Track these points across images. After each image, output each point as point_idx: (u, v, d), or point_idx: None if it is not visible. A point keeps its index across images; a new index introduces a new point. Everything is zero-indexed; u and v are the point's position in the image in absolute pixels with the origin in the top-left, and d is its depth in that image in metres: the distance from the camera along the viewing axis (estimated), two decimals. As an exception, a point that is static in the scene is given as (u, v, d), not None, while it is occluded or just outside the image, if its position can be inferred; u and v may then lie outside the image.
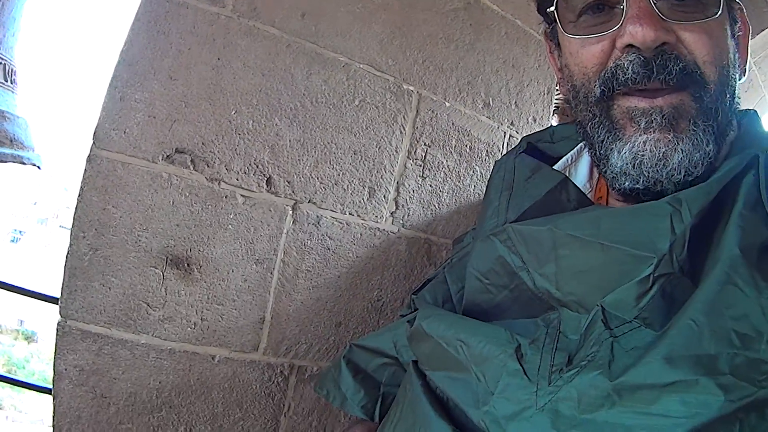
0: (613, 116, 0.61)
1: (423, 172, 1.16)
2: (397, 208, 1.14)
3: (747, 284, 0.51)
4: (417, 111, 1.14)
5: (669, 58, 0.57)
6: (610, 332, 0.54)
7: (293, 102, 1.02)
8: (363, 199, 1.10)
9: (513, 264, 0.62)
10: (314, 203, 1.06)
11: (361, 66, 1.08)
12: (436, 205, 1.18)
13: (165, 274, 0.95)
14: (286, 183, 1.03)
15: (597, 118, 0.62)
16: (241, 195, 1.00)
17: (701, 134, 0.58)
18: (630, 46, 0.57)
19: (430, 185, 1.17)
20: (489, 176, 0.77)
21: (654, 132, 0.58)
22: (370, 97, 1.09)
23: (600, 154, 0.62)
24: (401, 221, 1.14)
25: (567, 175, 0.73)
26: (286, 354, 1.07)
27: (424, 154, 1.15)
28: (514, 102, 1.29)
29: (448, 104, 1.17)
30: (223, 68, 0.97)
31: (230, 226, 0.99)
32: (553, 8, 0.62)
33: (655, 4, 0.56)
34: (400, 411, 0.71)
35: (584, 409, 0.51)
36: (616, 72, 0.58)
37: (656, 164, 0.58)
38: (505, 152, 1.24)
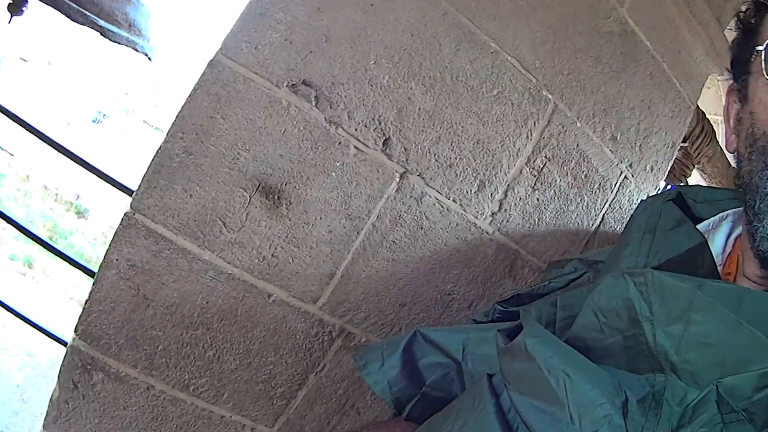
0: None
1: (535, 184, 1.11)
2: (499, 210, 1.10)
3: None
4: (549, 121, 1.10)
5: None
6: (721, 417, 0.51)
7: (434, 71, 1.00)
8: (471, 190, 1.06)
9: (640, 311, 0.57)
10: (423, 178, 1.02)
11: (509, 58, 1.05)
12: (537, 220, 1.13)
13: (252, 199, 0.94)
14: (403, 149, 1.00)
15: None
16: (355, 147, 0.97)
17: None
18: None
19: (538, 199, 1.12)
20: (631, 214, 0.72)
21: None
22: (509, 92, 1.06)
23: (759, 208, 0.58)
24: (498, 225, 1.10)
25: (708, 239, 0.69)
26: (342, 316, 1.05)
27: (541, 166, 1.11)
28: (639, 144, 1.23)
29: (579, 124, 1.12)
30: (374, 15, 0.96)
31: (333, 174, 0.97)
32: (762, 47, 0.58)
33: None
34: (461, 424, 0.67)
35: None
36: None
37: None
38: (652, 196, 1.18)
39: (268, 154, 0.94)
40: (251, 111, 0.92)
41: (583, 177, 1.16)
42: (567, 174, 1.14)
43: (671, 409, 0.54)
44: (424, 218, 1.04)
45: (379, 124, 0.98)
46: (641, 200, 0.76)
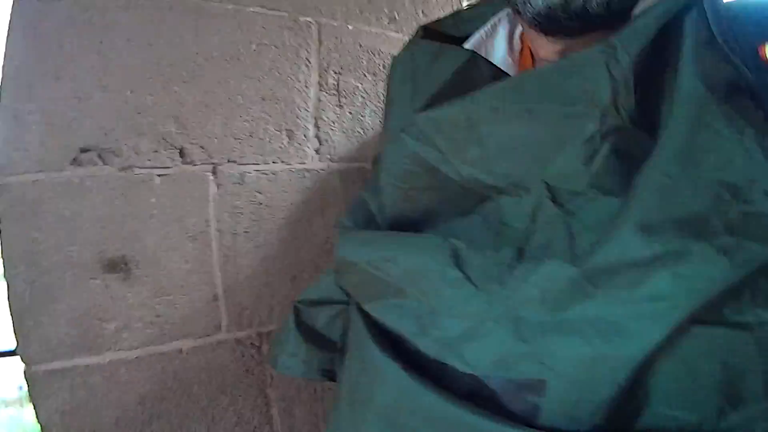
0: None
1: (339, 101, 1.23)
2: (321, 144, 1.23)
3: (724, 125, 0.46)
4: (320, 41, 1.18)
5: None
6: (561, 209, 0.50)
7: (187, 64, 1.07)
8: (284, 143, 1.18)
9: (429, 158, 0.57)
10: (234, 161, 1.14)
11: (251, 9, 1.12)
12: (360, 131, 1.27)
13: (106, 282, 1.04)
14: (200, 149, 1.10)
15: None
16: (158, 175, 1.07)
17: None
18: None
19: (350, 112, 1.25)
20: (387, 75, 0.72)
21: None
22: (267, 38, 1.13)
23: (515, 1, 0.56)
24: (328, 156, 1.24)
25: (485, 52, 0.68)
26: (250, 324, 1.19)
27: (336, 83, 1.22)
28: (420, 11, 1.35)
29: (351, 27, 1.21)
30: (107, 51, 1.01)
31: (155, 211, 1.08)
32: None
33: None
34: (348, 359, 0.67)
35: (551, 308, 0.47)
36: None
37: None
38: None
39: (92, 234, 1.02)
40: (56, 207, 0.99)
41: (381, 69, 1.29)
42: (365, 75, 1.27)
43: (512, 229, 0.53)
44: (257, 194, 1.17)
45: (167, 141, 1.06)
46: (392, 58, 0.74)
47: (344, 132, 1.26)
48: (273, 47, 1.15)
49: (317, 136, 1.23)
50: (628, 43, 0.48)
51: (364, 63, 1.26)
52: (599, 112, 0.47)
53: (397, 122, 0.63)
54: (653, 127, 0.48)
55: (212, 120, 1.11)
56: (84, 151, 1.01)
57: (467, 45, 0.69)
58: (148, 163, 1.06)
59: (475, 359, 0.49)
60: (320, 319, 0.80)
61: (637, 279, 0.43)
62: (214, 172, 1.12)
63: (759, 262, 0.43)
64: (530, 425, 0.46)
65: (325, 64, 1.22)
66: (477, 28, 0.71)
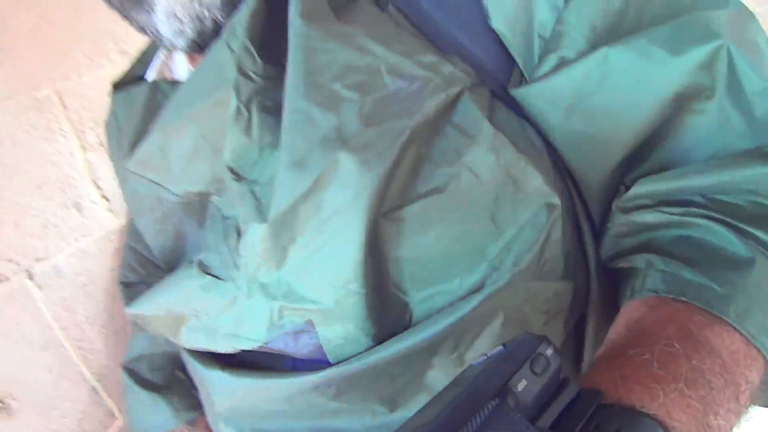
0: None
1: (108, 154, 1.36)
2: (109, 201, 1.35)
3: (327, 41, 0.52)
4: (64, 107, 1.28)
5: None
6: (245, 182, 0.57)
7: None
8: (77, 219, 1.29)
9: (151, 192, 0.67)
10: (43, 258, 1.22)
11: (51, 93, 1.19)
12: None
13: None
14: (8, 262, 1.16)
15: (131, 8, 0.65)
16: None
17: None
18: None
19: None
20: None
21: None
22: (15, 128, 1.19)
23: (154, 34, 0.66)
24: (123, 209, 1.38)
25: (170, 73, 0.79)
26: None
27: (97, 137, 1.34)
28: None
29: (86, 78, 1.32)
30: None
31: None
32: None
33: None
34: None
35: (274, 264, 0.54)
36: None
37: (185, 3, 0.60)
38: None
39: None
40: None
41: None
42: None
43: (231, 218, 0.62)
44: (79, 277, 1.26)
45: (11, 261, 1.13)
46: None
47: None
48: (24, 134, 1.20)
49: (104, 196, 1.32)
50: (238, 18, 0.57)
51: None
52: (232, 86, 0.55)
53: (122, 175, 0.75)
54: (284, 66, 0.55)
55: (4, 230, 1.15)
56: None
57: (149, 74, 0.79)
58: None
59: (254, 333, 0.59)
60: (146, 370, 0.95)
61: (314, 206, 0.51)
62: (30, 278, 1.19)
63: (405, 135, 0.49)
64: (320, 363, 0.57)
65: (80, 126, 1.29)
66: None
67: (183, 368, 0.92)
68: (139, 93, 0.75)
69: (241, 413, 0.66)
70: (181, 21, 0.61)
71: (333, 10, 0.54)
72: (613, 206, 0.55)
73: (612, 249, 0.55)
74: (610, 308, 0.56)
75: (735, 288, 0.45)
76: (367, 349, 0.55)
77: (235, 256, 0.58)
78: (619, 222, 0.54)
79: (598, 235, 0.57)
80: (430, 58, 0.52)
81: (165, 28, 0.62)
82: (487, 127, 0.50)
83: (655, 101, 0.49)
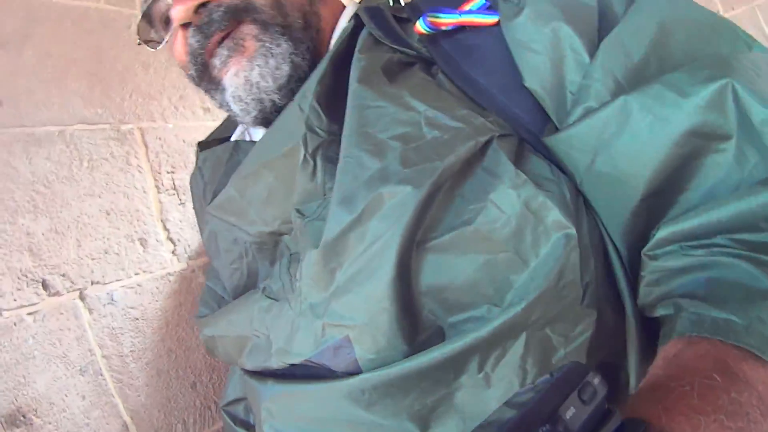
0: (211, 76, 0.79)
1: (180, 199, 1.39)
2: (175, 245, 1.36)
3: (378, 100, 0.63)
4: (145, 145, 1.36)
5: (212, 10, 0.74)
6: (308, 219, 0.67)
7: (27, 194, 1.13)
8: (140, 253, 1.30)
9: (228, 233, 0.78)
10: (98, 282, 1.21)
11: (75, 127, 1.22)
12: (206, 224, 1.44)
13: None
14: (61, 277, 1.16)
15: (208, 88, 0.82)
16: (27, 314, 1.10)
17: (269, 43, 0.74)
18: (184, 26, 0.77)
19: (193, 208, 1.42)
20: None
21: (229, 66, 0.76)
22: (95, 153, 1.26)
23: (228, 110, 0.82)
24: (186, 255, 1.38)
25: (248, 135, 0.93)
26: None
27: (172, 182, 1.39)
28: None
29: (170, 125, 1.41)
30: None
31: (36, 352, 1.08)
32: (139, 42, 0.85)
33: None
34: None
35: (322, 286, 0.63)
36: (190, 50, 0.78)
37: (246, 89, 0.75)
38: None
39: None
40: None
41: None
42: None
43: (296, 254, 0.71)
44: (131, 310, 1.24)
45: (26, 276, 1.10)
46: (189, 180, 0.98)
47: (193, 228, 1.37)
48: (103, 160, 1.24)
49: (169, 238, 1.33)
50: (310, 81, 0.70)
51: (192, 157, 1.42)
52: (301, 141, 0.66)
53: (204, 222, 0.86)
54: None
55: (65, 245, 1.15)
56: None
57: (233, 137, 0.94)
58: (14, 304, 1.07)
59: (301, 349, 0.66)
60: (243, 412, 0.98)
61: (359, 234, 0.59)
62: (82, 298, 1.17)
63: (437, 173, 0.57)
64: (354, 374, 0.62)
65: (157, 167, 1.34)
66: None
67: None
68: (224, 151, 0.87)
69: (284, 419, 0.70)
70: (246, 103, 0.76)
71: (386, 75, 0.66)
72: (643, 255, 0.58)
73: (646, 297, 0.59)
74: (651, 351, 0.59)
75: (758, 320, 0.49)
76: None
77: (294, 281, 0.67)
78: (649, 270, 0.58)
79: (630, 278, 0.61)
80: (462, 111, 0.61)
81: (234, 106, 0.77)
82: (510, 168, 0.57)
83: (670, 140, 0.54)
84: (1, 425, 1.03)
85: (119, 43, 1.35)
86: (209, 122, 1.51)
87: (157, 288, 1.30)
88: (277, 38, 0.75)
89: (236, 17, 0.75)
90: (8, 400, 1.04)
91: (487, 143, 0.60)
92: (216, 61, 0.76)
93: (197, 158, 0.96)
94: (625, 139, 0.55)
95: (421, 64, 0.70)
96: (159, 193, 1.36)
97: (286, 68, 0.75)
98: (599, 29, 0.61)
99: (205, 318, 0.89)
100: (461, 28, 0.69)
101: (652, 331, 0.60)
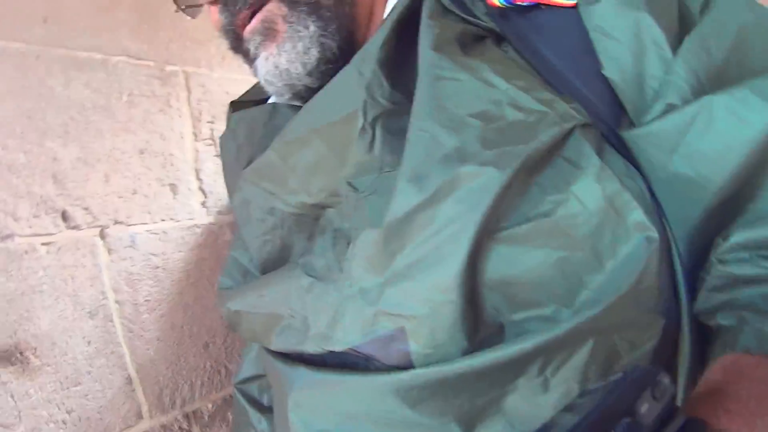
0: (248, 53, 0.74)
1: (217, 150, 1.29)
2: (206, 197, 1.25)
3: (456, 72, 0.58)
4: (188, 90, 1.25)
5: None
6: (362, 194, 0.61)
7: (60, 117, 1.03)
8: (169, 199, 1.19)
9: (264, 202, 0.72)
10: (121, 222, 1.11)
11: (119, 58, 1.12)
12: (240, 181, 1.34)
13: (2, 377, 0.91)
14: (84, 211, 1.06)
15: (245, 61, 0.77)
16: (42, 244, 1.00)
17: (297, 25, 0.69)
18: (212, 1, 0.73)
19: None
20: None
21: (261, 51, 0.71)
22: (136, 88, 1.15)
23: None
24: (216, 209, 1.27)
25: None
26: (173, 405, 1.12)
27: (211, 132, 1.28)
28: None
29: (216, 75, 1.31)
30: None
31: (45, 286, 0.98)
32: (178, 10, 0.81)
33: None
34: (274, 396, 0.78)
35: (379, 270, 0.56)
36: (221, 24, 0.74)
37: (276, 74, 0.71)
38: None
39: None
40: None
41: None
42: None
43: (342, 229, 0.65)
44: (152, 256, 1.14)
45: (46, 204, 1.01)
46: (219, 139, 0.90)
47: (224, 183, 1.32)
48: (144, 97, 1.14)
49: (201, 189, 1.23)
50: (370, 45, 0.63)
51: None
52: (361, 107, 0.60)
53: (234, 186, 0.78)
54: (409, 94, 0.61)
55: (92, 178, 1.05)
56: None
57: (271, 99, 0.85)
58: (29, 230, 0.97)
59: (346, 336, 0.59)
60: (256, 391, 0.91)
61: (428, 217, 0.53)
62: (102, 237, 1.07)
63: (520, 159, 0.52)
64: (404, 368, 0.56)
65: (197, 114, 1.23)
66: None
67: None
68: (260, 113, 0.80)
69: (315, 410, 0.63)
70: (278, 87, 0.72)
71: (460, 46, 0.61)
72: (712, 257, 0.55)
73: (706, 302, 0.55)
74: (700, 357, 0.57)
75: None
76: None
77: (342, 261, 0.60)
78: (716, 273, 0.55)
79: (689, 283, 0.58)
80: (547, 95, 0.57)
81: (266, 86, 0.73)
82: (595, 160, 0.53)
83: (750, 145, 0.52)
84: (-6, 359, 0.93)
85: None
86: (253, 79, 1.41)
87: (182, 238, 1.20)
88: (305, 19, 0.69)
89: None
90: (6, 334, 0.94)
91: (571, 131, 0.55)
92: (250, 46, 0.72)
93: (229, 119, 0.87)
94: (706, 140, 0.53)
95: (492, 40, 0.65)
96: (196, 140, 1.26)
97: (314, 52, 0.69)
98: (680, 24, 0.59)
99: (229, 290, 0.81)
100: (536, 6, 0.63)
101: (700, 335, 0.57)
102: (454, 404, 0.54)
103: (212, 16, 0.76)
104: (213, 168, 1.28)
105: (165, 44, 1.22)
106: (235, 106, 0.90)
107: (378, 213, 0.57)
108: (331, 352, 0.61)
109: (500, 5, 0.64)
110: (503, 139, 0.54)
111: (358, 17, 0.74)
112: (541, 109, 0.55)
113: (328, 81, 0.67)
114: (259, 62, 0.72)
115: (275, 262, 0.73)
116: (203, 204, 1.25)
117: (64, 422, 0.97)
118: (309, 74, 0.70)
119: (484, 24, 0.65)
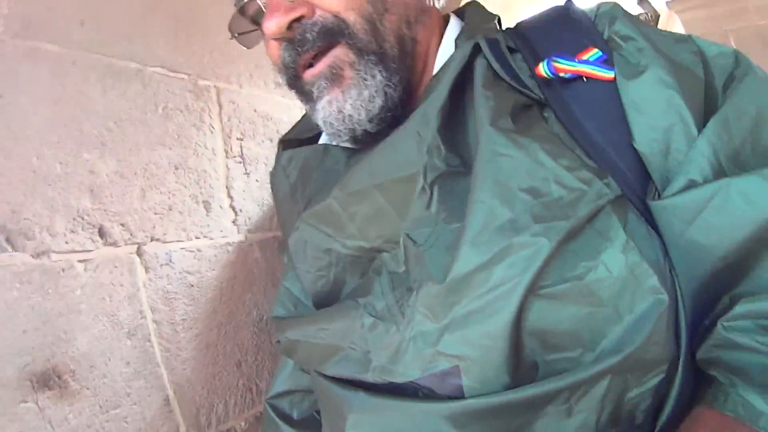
0: (305, 91, 0.76)
1: (245, 169, 1.22)
2: (236, 215, 1.19)
3: (511, 149, 0.65)
4: (220, 105, 1.20)
5: (306, 28, 0.72)
6: (421, 247, 0.67)
7: (96, 128, 0.97)
8: (202, 216, 1.12)
9: (322, 243, 0.76)
10: (158, 240, 1.04)
11: (154, 69, 1.06)
12: (268, 198, 1.27)
13: (39, 403, 0.83)
14: (121, 227, 0.99)
15: (299, 97, 0.79)
16: (78, 261, 0.92)
17: (365, 73, 0.72)
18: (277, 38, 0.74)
19: (256, 180, 1.25)
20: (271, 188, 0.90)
21: (324, 95, 0.74)
22: (171, 101, 1.09)
23: (316, 125, 0.79)
24: (246, 227, 1.21)
25: (332, 143, 0.85)
26: (209, 425, 1.05)
27: (240, 150, 1.22)
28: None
29: (244, 91, 1.25)
30: (8, 107, 0.86)
31: (83, 306, 0.90)
32: (232, 38, 0.81)
33: None
34: (323, 416, 0.82)
35: (439, 318, 0.64)
36: (282, 62, 0.75)
37: (338, 119, 0.73)
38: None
39: (12, 343, 0.84)
40: None
41: (276, 134, 1.30)
42: (263, 141, 1.26)
43: (398, 275, 0.70)
44: (187, 275, 1.07)
45: (83, 218, 0.94)
46: (270, 174, 0.91)
47: (255, 201, 1.20)
48: (178, 111, 1.08)
49: (232, 206, 1.16)
50: (430, 108, 0.69)
51: (261, 128, 1.24)
52: (422, 169, 0.67)
53: (291, 224, 0.81)
54: (462, 157, 0.69)
55: (129, 192, 0.99)
56: (-14, 233, 0.81)
57: (322, 139, 0.89)
58: (65, 246, 0.89)
59: (406, 370, 0.66)
60: (287, 406, 0.95)
61: (484, 277, 0.61)
62: (139, 254, 1.00)
63: (563, 232, 0.60)
64: (456, 398, 0.65)
65: (228, 130, 1.17)
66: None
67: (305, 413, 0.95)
68: (313, 154, 0.83)
69: (373, 430, 0.69)
70: (337, 129, 0.74)
71: (513, 121, 0.67)
72: (719, 323, 0.63)
73: (706, 354, 0.63)
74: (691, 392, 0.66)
75: None
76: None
77: (403, 306, 0.66)
78: (720, 335, 0.62)
79: (690, 332, 0.65)
80: (586, 174, 0.64)
81: (323, 127, 0.76)
82: (621, 234, 0.62)
83: (757, 224, 0.60)
84: (32, 386, 0.85)
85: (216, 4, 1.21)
86: (278, 96, 1.37)
87: (215, 256, 1.13)
88: (372, 68, 0.73)
89: (330, 39, 0.72)
90: (44, 357, 0.86)
91: (603, 206, 0.63)
92: (313, 88, 0.74)
93: (279, 156, 0.88)
94: (720, 216, 0.61)
95: (537, 107, 0.71)
96: (227, 158, 1.20)
97: (379, 101, 0.73)
98: (705, 108, 0.67)
99: (284, 319, 0.85)
100: (578, 77, 0.70)
101: (693, 373, 0.66)
102: (494, 427, 0.62)
103: (271, 50, 0.78)
104: (242, 186, 1.22)
105: (198, 57, 1.17)
106: (285, 143, 0.92)
107: (438, 268, 0.64)
108: (390, 383, 0.68)
109: (547, 76, 0.70)
110: (549, 214, 0.61)
111: (416, 69, 0.78)
112: (581, 188, 0.63)
113: (385, 127, 0.73)
114: (321, 105, 0.74)
115: (327, 295, 0.78)
116: (234, 222, 1.19)
117: (100, 446, 0.89)
118: (370, 120, 0.73)
119: (532, 94, 0.71)
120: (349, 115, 0.73)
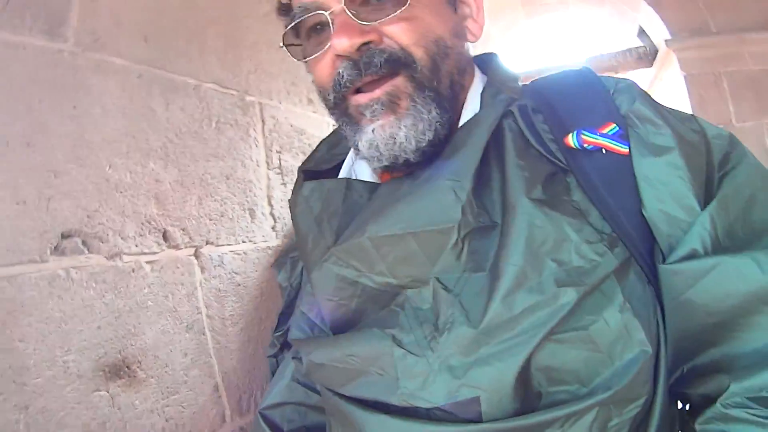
0: (350, 113, 0.78)
1: (283, 179, 1.29)
2: (275, 222, 1.26)
3: (543, 221, 0.72)
4: (263, 120, 1.26)
5: (374, 53, 0.74)
6: (451, 293, 0.73)
7: (160, 139, 1.03)
8: (248, 223, 1.18)
9: (350, 276, 0.78)
10: (212, 243, 1.10)
11: (209, 85, 1.12)
12: (302, 207, 1.35)
13: (111, 391, 0.89)
14: (181, 231, 1.05)
15: (340, 118, 0.81)
16: (146, 262, 0.98)
17: (421, 107, 0.75)
18: (340, 55, 0.75)
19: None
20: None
21: (378, 119, 0.75)
22: (223, 116, 1.16)
23: (353, 145, 0.81)
24: (282, 233, 1.28)
25: (354, 173, 0.91)
26: (249, 409, 1.11)
27: (279, 162, 1.29)
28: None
29: (282, 107, 1.32)
30: (81, 117, 0.91)
31: (149, 303, 0.96)
32: (282, 46, 0.82)
33: (353, 15, 0.73)
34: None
35: (467, 355, 0.70)
36: (338, 79, 0.76)
37: (387, 144, 0.75)
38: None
39: (88, 336, 0.88)
40: (41, 307, 0.84)
41: (309, 148, 1.38)
42: (298, 154, 1.33)
43: (422, 311, 0.75)
44: (235, 275, 1.13)
45: (150, 223, 1.00)
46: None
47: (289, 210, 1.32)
48: (229, 125, 1.14)
49: (272, 214, 1.22)
50: (465, 168, 0.74)
51: (296, 143, 1.30)
52: (456, 225, 0.72)
53: (317, 255, 0.82)
54: (488, 213, 0.75)
55: (188, 200, 1.04)
56: (66, 236, 0.87)
57: (342, 173, 0.91)
58: (135, 249, 0.95)
59: (432, 397, 0.72)
60: (279, 418, 0.98)
61: (512, 326, 0.69)
62: (197, 256, 1.05)
63: (579, 295, 0.69)
64: (475, 421, 0.72)
65: (269, 143, 1.23)
66: (344, 152, 0.95)
67: (312, 426, 0.99)
68: (336, 187, 0.84)
69: None
70: (381, 153, 0.76)
71: (543, 190, 0.74)
72: (718, 404, 0.71)
73: (703, 424, 0.73)
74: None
75: None
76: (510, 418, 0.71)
77: (432, 342, 0.72)
78: (715, 411, 0.71)
79: (667, 374, 0.76)
80: (601, 247, 0.72)
81: (365, 149, 0.77)
82: (619, 296, 0.71)
83: (742, 294, 0.70)
84: (105, 375, 0.90)
85: (252, 13, 1.27)
86: (311, 113, 1.44)
87: (258, 258, 1.20)
88: (429, 104, 0.76)
89: (394, 68, 0.75)
90: (115, 349, 0.91)
91: (610, 274, 0.72)
92: (365, 112, 0.76)
93: (300, 185, 0.88)
94: (717, 285, 0.70)
95: (561, 173, 0.77)
96: (268, 169, 1.27)
97: (429, 135, 0.76)
98: (705, 183, 0.75)
99: (304, 341, 0.88)
100: (599, 150, 0.77)
101: (668, 408, 0.76)
102: None
103: (323, 67, 0.78)
104: (281, 195, 1.29)
105: (245, 74, 1.24)
106: (305, 173, 0.93)
107: (472, 315, 0.71)
108: (416, 407, 0.73)
109: (573, 146, 0.77)
110: (570, 280, 0.70)
111: (458, 111, 0.82)
112: (596, 260, 0.72)
113: (424, 159, 0.77)
114: (372, 127, 0.76)
115: (346, 323, 0.81)
116: (273, 228, 1.25)
117: (163, 429, 0.95)
118: (416, 151, 0.76)
119: (559, 163, 0.77)
120: (401, 143, 0.75)
